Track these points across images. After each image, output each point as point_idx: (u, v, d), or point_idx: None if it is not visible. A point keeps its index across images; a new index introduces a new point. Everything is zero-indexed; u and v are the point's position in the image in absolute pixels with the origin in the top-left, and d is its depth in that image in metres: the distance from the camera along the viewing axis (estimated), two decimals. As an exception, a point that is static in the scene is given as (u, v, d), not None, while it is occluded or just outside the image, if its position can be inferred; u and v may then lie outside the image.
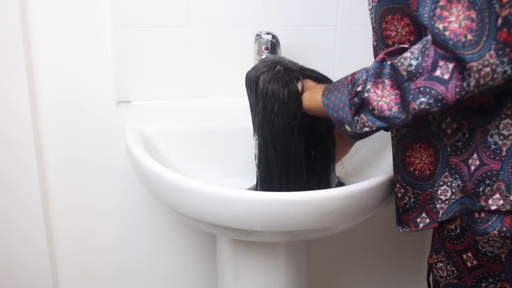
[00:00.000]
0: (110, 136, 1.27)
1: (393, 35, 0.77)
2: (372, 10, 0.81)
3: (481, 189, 0.73)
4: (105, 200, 1.33)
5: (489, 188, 0.71)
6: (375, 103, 0.74)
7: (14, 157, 1.23)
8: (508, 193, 0.69)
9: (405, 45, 0.75)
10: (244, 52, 1.21)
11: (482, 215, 0.73)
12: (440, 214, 0.79)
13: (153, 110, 1.22)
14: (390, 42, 0.78)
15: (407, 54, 0.71)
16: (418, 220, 0.83)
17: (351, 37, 1.28)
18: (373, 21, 0.82)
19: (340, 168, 1.03)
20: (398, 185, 0.85)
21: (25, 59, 1.16)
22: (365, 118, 0.77)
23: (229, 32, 1.23)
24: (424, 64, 0.67)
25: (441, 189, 0.79)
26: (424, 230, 0.83)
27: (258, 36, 1.12)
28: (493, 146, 0.71)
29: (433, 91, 0.67)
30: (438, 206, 0.80)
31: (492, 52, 0.61)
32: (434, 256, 0.84)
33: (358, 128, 0.78)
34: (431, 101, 0.67)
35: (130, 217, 1.36)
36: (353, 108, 0.77)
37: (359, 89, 0.76)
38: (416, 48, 0.69)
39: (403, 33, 0.76)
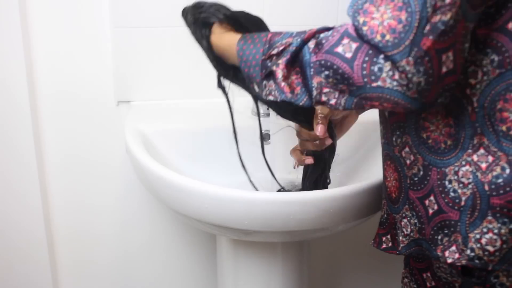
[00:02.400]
0: (110, 136, 1.27)
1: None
2: None
3: (439, 237, 0.68)
4: (104, 200, 1.33)
5: (447, 239, 0.67)
6: (279, 80, 0.69)
7: (14, 156, 1.23)
8: (465, 246, 0.65)
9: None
10: (244, 52, 1.21)
11: None
12: (400, 248, 0.77)
13: (153, 110, 1.22)
14: None
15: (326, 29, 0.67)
16: (384, 239, 0.81)
17: (351, 37, 1.28)
18: None
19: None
20: (383, 194, 0.82)
21: (25, 59, 1.16)
22: (273, 86, 0.70)
23: (229, 32, 1.23)
24: (330, 37, 0.63)
25: (403, 221, 0.75)
26: (383, 251, 0.81)
27: (258, 36, 1.12)
28: (452, 194, 0.66)
29: (335, 67, 0.62)
30: (400, 238, 0.76)
31: (410, 58, 0.57)
32: (403, 270, 0.83)
33: (264, 93, 0.72)
34: (337, 76, 0.62)
35: (129, 216, 1.36)
36: (263, 71, 0.71)
37: (273, 52, 0.70)
38: (333, 29, 0.66)
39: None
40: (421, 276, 0.78)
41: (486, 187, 0.63)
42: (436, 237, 0.69)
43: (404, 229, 0.75)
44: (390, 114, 0.74)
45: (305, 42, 0.67)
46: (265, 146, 0.97)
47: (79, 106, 1.25)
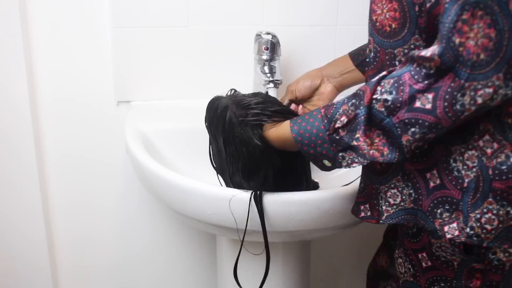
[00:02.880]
0: (110, 136, 1.27)
1: (378, 12, 0.74)
2: None
3: (438, 211, 0.72)
4: (104, 199, 1.33)
5: (448, 215, 0.71)
6: (365, 151, 0.71)
7: (14, 156, 1.23)
8: (465, 225, 0.69)
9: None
10: (244, 52, 1.21)
11: None
12: (383, 217, 0.78)
13: (153, 110, 1.22)
14: (374, 18, 0.75)
15: (375, 87, 0.69)
16: (362, 207, 0.82)
17: (351, 37, 1.28)
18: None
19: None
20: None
21: (25, 60, 1.16)
22: (353, 154, 0.73)
23: (229, 32, 1.23)
24: (400, 99, 0.66)
25: (391, 192, 0.77)
26: (362, 220, 0.82)
27: (258, 36, 1.12)
28: (455, 173, 0.70)
29: (420, 121, 0.65)
30: (384, 207, 0.78)
31: (500, 74, 0.60)
32: (396, 251, 0.84)
33: (344, 164, 0.74)
34: (424, 130, 0.66)
35: (129, 216, 1.36)
36: (334, 145, 0.74)
37: (338, 125, 0.73)
38: (386, 83, 0.68)
39: (387, 16, 0.72)
40: (416, 256, 0.79)
41: (490, 172, 0.68)
42: (435, 210, 0.72)
43: (390, 199, 0.77)
44: None
45: (370, 107, 0.69)
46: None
47: (79, 106, 1.25)
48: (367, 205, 0.81)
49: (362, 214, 0.82)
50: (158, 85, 1.24)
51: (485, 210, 0.68)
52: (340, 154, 0.74)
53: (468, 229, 0.69)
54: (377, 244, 1.57)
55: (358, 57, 1.01)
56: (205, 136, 1.15)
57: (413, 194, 0.74)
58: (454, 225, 0.70)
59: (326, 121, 0.74)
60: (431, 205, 0.72)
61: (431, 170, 0.72)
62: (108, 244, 1.38)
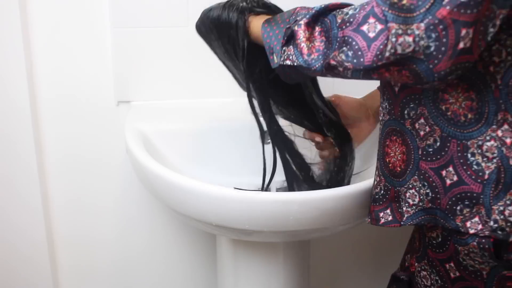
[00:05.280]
0: (110, 136, 1.27)
1: None
2: None
3: (458, 208, 0.70)
4: (104, 199, 1.33)
5: (468, 210, 0.69)
6: (298, 41, 0.72)
7: (14, 156, 1.23)
8: (488, 218, 0.67)
9: None
10: (244, 52, 1.21)
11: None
12: (404, 218, 0.77)
13: (153, 110, 1.22)
14: None
15: (350, 6, 0.70)
16: (381, 214, 0.80)
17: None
18: None
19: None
20: (376, 172, 0.82)
21: (25, 59, 1.16)
22: (292, 50, 0.73)
23: (229, 32, 1.23)
24: (357, 15, 0.66)
25: (409, 192, 0.76)
26: (383, 226, 0.81)
27: (258, 36, 1.12)
28: (475, 167, 0.69)
29: (354, 43, 0.65)
30: (404, 208, 0.77)
31: (422, 24, 0.60)
32: (416, 264, 0.82)
33: (282, 58, 0.75)
34: (349, 53, 0.66)
35: (129, 216, 1.36)
36: (285, 38, 0.74)
37: (298, 18, 0.74)
38: (360, 5, 0.68)
39: None
40: (443, 266, 0.77)
41: (511, 162, 0.67)
42: (454, 207, 0.70)
43: (409, 200, 0.76)
44: (401, 89, 0.75)
45: (329, 9, 0.70)
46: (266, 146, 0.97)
47: (79, 106, 1.25)
48: (388, 210, 0.80)
49: (383, 221, 0.80)
50: (158, 85, 1.24)
51: (508, 202, 0.67)
52: (284, 47, 0.74)
53: (491, 223, 0.67)
54: (377, 244, 1.57)
55: None
56: (205, 136, 1.15)
57: (430, 194, 0.73)
58: (476, 219, 0.68)
59: (293, 17, 0.76)
60: (450, 202, 0.71)
61: (447, 167, 0.71)
62: (108, 244, 1.38)
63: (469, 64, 0.63)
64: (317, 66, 0.70)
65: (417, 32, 0.60)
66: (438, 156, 0.71)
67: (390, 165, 0.78)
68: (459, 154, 0.70)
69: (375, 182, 0.82)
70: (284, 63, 0.74)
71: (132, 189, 1.32)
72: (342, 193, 0.87)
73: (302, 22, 0.72)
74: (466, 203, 0.69)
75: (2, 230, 1.28)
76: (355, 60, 0.65)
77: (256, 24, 0.82)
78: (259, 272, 1.10)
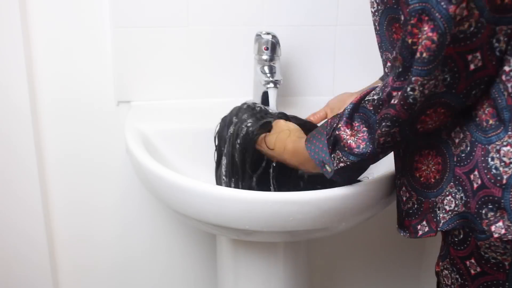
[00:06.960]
0: (110, 136, 1.27)
1: None
2: (376, 14, 0.81)
3: (483, 211, 0.72)
4: (105, 200, 1.33)
5: (493, 214, 0.71)
6: (344, 140, 0.77)
7: (14, 156, 1.23)
8: (510, 222, 0.69)
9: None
10: (244, 52, 1.21)
11: None
12: (440, 224, 0.78)
13: (153, 110, 1.23)
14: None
15: (372, 92, 0.76)
16: (419, 227, 0.82)
17: (351, 37, 1.28)
18: (376, 24, 0.82)
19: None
20: (404, 188, 0.84)
21: (25, 59, 1.16)
22: (340, 154, 0.78)
23: (229, 32, 1.23)
24: (382, 97, 0.72)
25: (447, 199, 0.78)
26: (421, 238, 0.83)
27: (258, 36, 1.12)
28: (494, 171, 0.70)
29: (388, 115, 0.71)
30: (440, 215, 0.79)
31: (439, 66, 0.65)
32: (440, 263, 0.83)
33: (334, 164, 0.79)
34: (389, 123, 0.72)
35: (129, 216, 1.36)
36: (330, 147, 0.80)
37: (334, 126, 0.79)
38: (378, 87, 0.74)
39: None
40: (463, 264, 0.78)
41: None
42: (480, 211, 0.72)
43: (446, 206, 0.78)
44: None
45: (357, 104, 0.77)
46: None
47: (79, 106, 1.25)
48: (424, 222, 0.81)
49: (421, 233, 0.82)
50: (158, 85, 1.24)
51: None
52: (332, 155, 0.80)
53: None
54: (377, 245, 1.58)
55: None
56: (205, 136, 1.15)
57: (463, 198, 0.75)
58: (500, 223, 0.70)
59: (328, 128, 0.81)
60: (477, 206, 0.72)
61: (473, 172, 0.73)
62: (108, 244, 1.38)
63: (487, 77, 0.68)
64: (369, 150, 0.76)
65: (436, 73, 0.66)
66: (468, 161, 0.74)
67: (422, 179, 0.81)
68: (482, 159, 0.72)
69: (405, 198, 0.84)
70: (338, 167, 0.79)
71: (132, 189, 1.32)
72: (342, 193, 0.87)
73: (340, 125, 0.78)
74: (490, 206, 0.71)
75: (2, 230, 1.28)
76: (396, 123, 0.72)
77: (273, 140, 0.91)
78: (259, 272, 1.10)
